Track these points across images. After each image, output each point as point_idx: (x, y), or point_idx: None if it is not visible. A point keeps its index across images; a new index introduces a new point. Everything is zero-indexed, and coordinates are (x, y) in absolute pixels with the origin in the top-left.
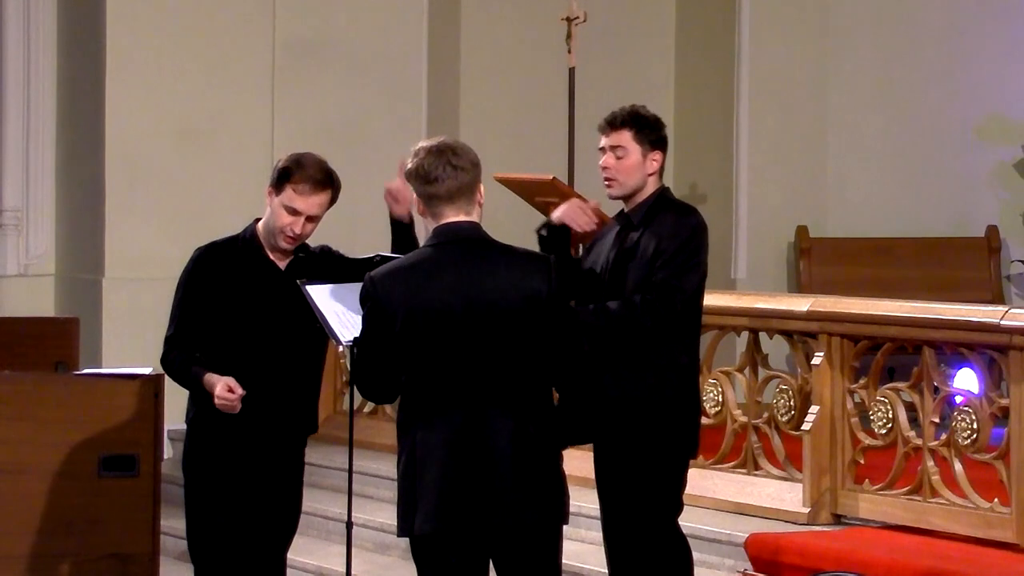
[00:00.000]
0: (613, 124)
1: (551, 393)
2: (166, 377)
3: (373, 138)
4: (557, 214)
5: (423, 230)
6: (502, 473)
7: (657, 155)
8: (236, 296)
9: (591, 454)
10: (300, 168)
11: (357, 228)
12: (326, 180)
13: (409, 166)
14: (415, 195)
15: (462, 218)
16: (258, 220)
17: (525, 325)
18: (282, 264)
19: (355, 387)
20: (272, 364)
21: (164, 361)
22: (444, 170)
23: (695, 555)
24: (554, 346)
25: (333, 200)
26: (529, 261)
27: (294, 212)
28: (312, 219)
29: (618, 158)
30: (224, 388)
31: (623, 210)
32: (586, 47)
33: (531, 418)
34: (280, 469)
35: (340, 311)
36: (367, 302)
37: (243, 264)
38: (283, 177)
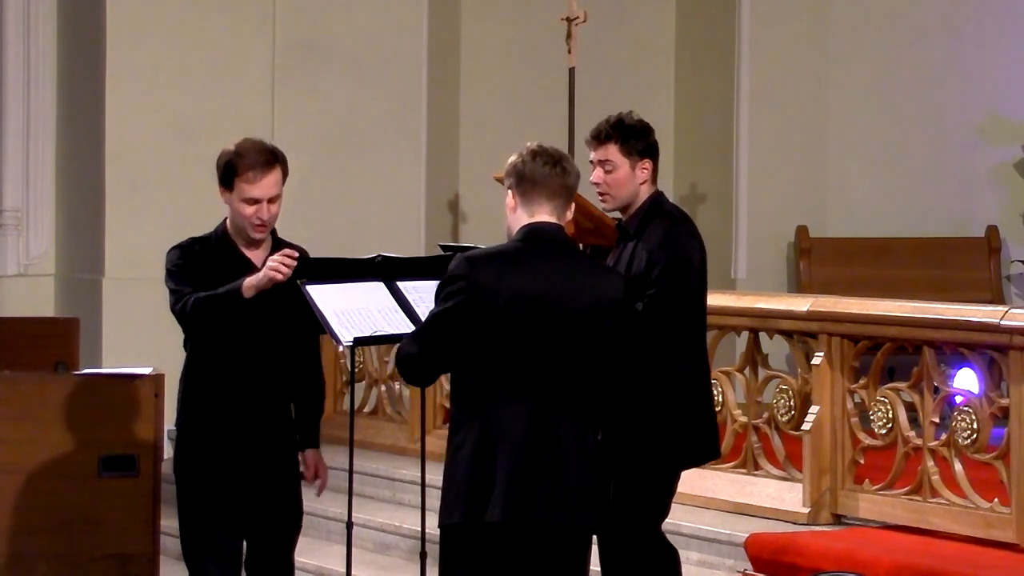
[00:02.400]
0: (598, 138)
1: (607, 402)
2: (166, 377)
3: (373, 139)
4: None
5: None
6: (569, 471)
7: (646, 163)
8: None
9: None
10: (242, 158)
11: (358, 227)
12: (271, 158)
13: (517, 158)
14: (510, 189)
15: (553, 220)
16: (226, 220)
17: (602, 325)
18: (258, 259)
19: (400, 364)
20: (259, 362)
21: (182, 308)
22: (556, 168)
23: (695, 555)
24: (623, 349)
25: (285, 174)
26: (606, 268)
27: (254, 201)
28: (272, 200)
29: (607, 172)
30: (277, 259)
31: (620, 220)
32: (586, 47)
33: (591, 421)
34: (272, 471)
35: (340, 311)
36: (458, 281)
37: (221, 263)
38: (229, 173)
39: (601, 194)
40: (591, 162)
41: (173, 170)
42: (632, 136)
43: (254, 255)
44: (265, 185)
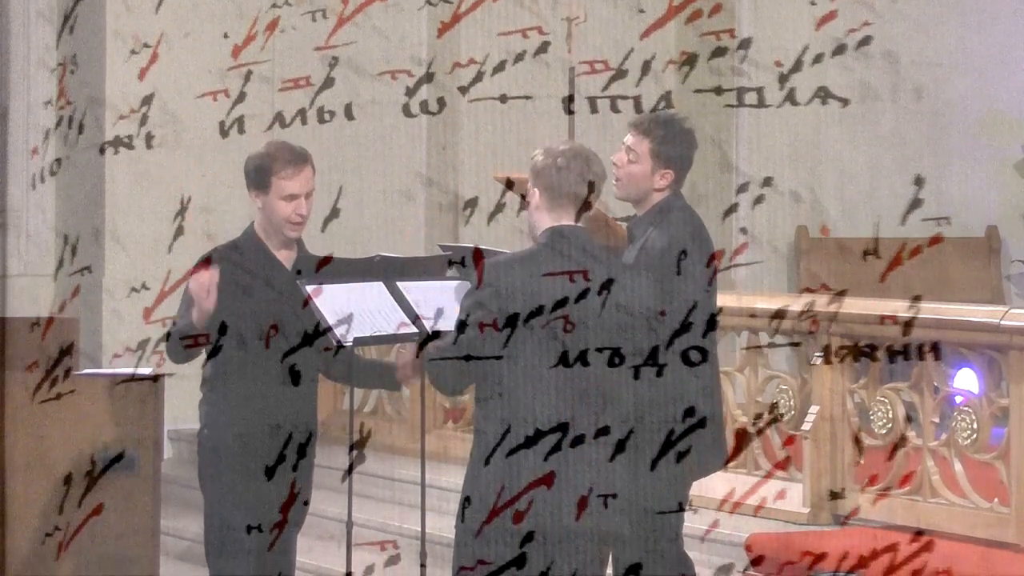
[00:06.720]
0: (637, 127)
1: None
2: (166, 377)
3: (372, 138)
4: None
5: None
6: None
7: (668, 173)
8: (250, 297)
9: None
10: (274, 158)
11: (359, 227)
12: (303, 153)
13: (546, 160)
14: (536, 188)
15: (575, 223)
16: (252, 224)
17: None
18: (287, 260)
19: (437, 378)
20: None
21: (166, 346)
22: (584, 176)
23: (695, 555)
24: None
25: (314, 170)
26: (634, 270)
27: (292, 197)
28: (308, 195)
29: (630, 161)
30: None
31: (635, 214)
32: (586, 47)
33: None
34: (292, 465)
35: (339, 311)
36: (485, 288)
37: (252, 265)
38: (263, 173)
39: (615, 177)
40: (623, 143)
41: (175, 168)
42: (669, 141)
43: (283, 256)
44: (302, 180)
